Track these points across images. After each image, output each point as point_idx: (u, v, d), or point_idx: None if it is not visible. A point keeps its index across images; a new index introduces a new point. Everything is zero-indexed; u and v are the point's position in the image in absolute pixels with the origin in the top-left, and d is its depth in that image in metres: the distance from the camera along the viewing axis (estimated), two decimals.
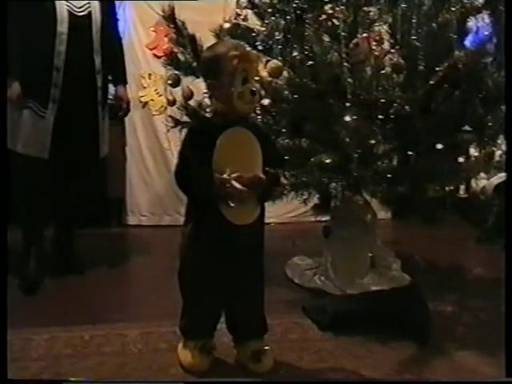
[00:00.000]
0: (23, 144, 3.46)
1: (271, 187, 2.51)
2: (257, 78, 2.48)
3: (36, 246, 3.60)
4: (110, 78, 3.79)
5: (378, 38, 3.06)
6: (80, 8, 3.51)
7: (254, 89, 2.37)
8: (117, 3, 4.03)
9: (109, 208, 5.14)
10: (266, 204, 2.54)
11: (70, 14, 3.47)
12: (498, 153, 3.35)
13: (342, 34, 3.02)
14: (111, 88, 3.88)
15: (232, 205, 2.33)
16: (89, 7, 3.54)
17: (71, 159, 3.57)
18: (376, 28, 3.16)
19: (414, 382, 2.59)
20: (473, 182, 4.53)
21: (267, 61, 3.15)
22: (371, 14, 3.18)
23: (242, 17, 3.57)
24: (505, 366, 2.33)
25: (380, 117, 3.08)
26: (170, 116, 3.85)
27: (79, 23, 3.50)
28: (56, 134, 3.48)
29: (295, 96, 3.26)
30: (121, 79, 3.90)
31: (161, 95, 4.94)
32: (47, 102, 3.45)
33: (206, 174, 2.31)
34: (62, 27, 3.44)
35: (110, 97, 3.90)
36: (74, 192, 3.70)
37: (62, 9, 3.45)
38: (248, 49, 2.43)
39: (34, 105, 3.44)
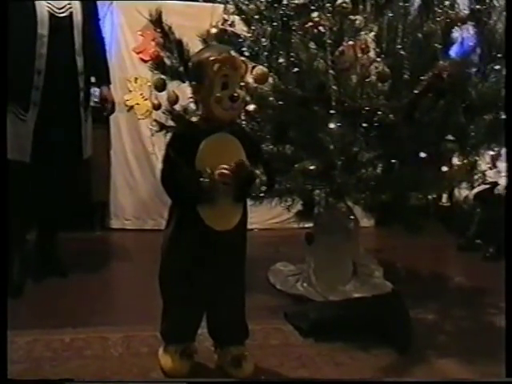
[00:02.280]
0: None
1: (249, 183, 2.44)
2: (242, 84, 2.48)
3: (19, 250, 3.57)
4: (93, 79, 3.77)
5: (363, 46, 3.08)
6: (61, 9, 3.48)
7: (236, 95, 2.35)
8: (102, 5, 4.03)
9: (93, 211, 5.12)
10: (249, 210, 2.54)
11: (51, 15, 3.44)
12: (483, 163, 3.38)
13: (328, 41, 3.03)
14: (95, 89, 3.87)
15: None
16: (70, 8, 3.51)
17: (54, 162, 3.53)
18: (362, 36, 3.18)
19: (415, 382, 2.62)
20: (456, 191, 4.56)
21: (253, 67, 3.16)
22: (357, 22, 3.19)
23: (229, 22, 3.58)
24: (505, 366, 2.34)
25: (364, 125, 3.09)
26: (155, 120, 3.84)
27: (60, 24, 3.47)
28: (38, 137, 3.46)
29: (280, 102, 3.27)
30: (104, 80, 3.88)
31: (146, 99, 4.95)
32: (28, 105, 3.43)
33: (190, 176, 2.31)
34: (43, 29, 3.41)
35: (96, 100, 3.90)
36: (58, 195, 3.64)
37: (42, 10, 3.42)
38: (234, 55, 2.41)
39: (14, 108, 3.41)
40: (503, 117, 3.13)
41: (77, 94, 3.59)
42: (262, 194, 3.17)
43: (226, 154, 2.36)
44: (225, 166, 2.29)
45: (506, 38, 2.90)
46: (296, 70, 3.26)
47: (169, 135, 3.22)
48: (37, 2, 3.42)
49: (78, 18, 3.53)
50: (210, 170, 2.29)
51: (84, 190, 3.88)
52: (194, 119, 2.57)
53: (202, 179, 2.29)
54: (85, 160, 3.75)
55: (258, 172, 2.41)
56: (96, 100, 4.94)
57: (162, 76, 3.59)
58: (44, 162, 3.50)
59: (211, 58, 2.34)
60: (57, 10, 3.46)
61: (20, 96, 3.41)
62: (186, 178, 2.32)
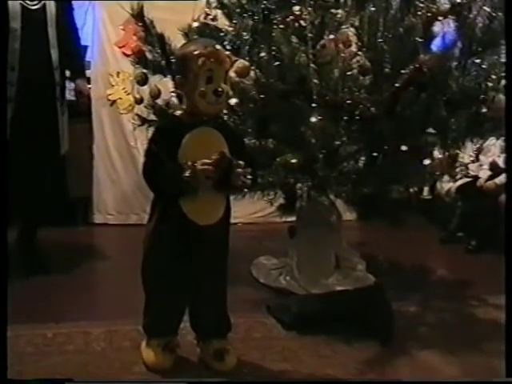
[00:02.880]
0: None
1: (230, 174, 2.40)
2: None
3: None
4: (68, 73, 3.71)
5: (344, 40, 3.09)
6: (33, 1, 3.41)
7: (220, 89, 2.34)
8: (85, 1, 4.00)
9: (75, 206, 5.10)
10: (232, 204, 2.55)
11: (23, 8, 3.37)
12: (466, 156, 3.40)
13: (310, 35, 3.04)
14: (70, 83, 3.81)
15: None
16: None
17: (31, 158, 3.47)
18: (343, 30, 3.19)
19: (415, 382, 2.62)
20: (437, 184, 4.58)
21: (235, 60, 3.15)
22: (338, 16, 3.20)
23: (211, 16, 3.57)
24: (505, 366, 2.35)
25: (345, 118, 3.10)
26: (137, 114, 3.83)
27: (33, 17, 3.40)
28: (14, 133, 3.33)
29: (262, 96, 3.27)
30: (79, 73, 3.83)
31: (129, 94, 4.92)
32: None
33: (172, 170, 2.30)
34: (15, 23, 3.33)
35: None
36: (36, 191, 3.59)
37: (14, 3, 3.34)
38: (219, 49, 2.41)
39: None
40: (484, 110, 3.15)
41: (53, 88, 3.54)
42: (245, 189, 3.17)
43: (209, 147, 2.35)
44: (206, 161, 2.29)
45: (506, 37, 2.91)
46: (277, 63, 3.26)
47: (151, 129, 3.23)
48: None
49: (51, 9, 3.47)
50: (190, 162, 2.29)
51: (61, 186, 3.79)
52: (178, 113, 2.56)
53: (183, 173, 2.28)
54: (62, 155, 3.71)
55: (240, 163, 2.39)
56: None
57: (144, 70, 3.58)
58: (21, 158, 3.40)
59: (196, 52, 2.33)
60: (29, 2, 3.39)
61: None
62: (167, 171, 2.32)
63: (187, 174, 2.27)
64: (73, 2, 3.88)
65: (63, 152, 3.70)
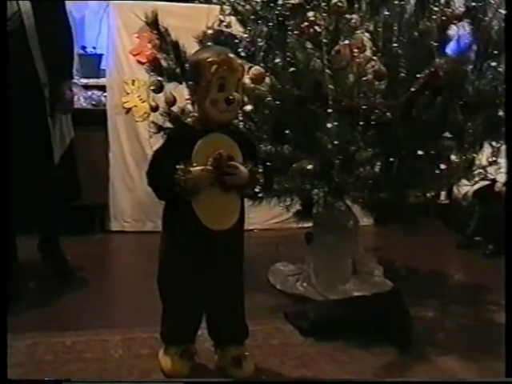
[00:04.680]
0: None
1: (252, 183, 2.43)
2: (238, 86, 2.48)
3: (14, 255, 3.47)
4: (84, 81, 3.58)
5: (359, 45, 3.08)
6: (9, 21, 3.16)
7: (232, 97, 2.33)
8: (99, 7, 3.91)
9: (92, 214, 5.12)
10: (249, 210, 2.55)
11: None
12: (482, 159, 3.38)
13: (324, 40, 3.03)
14: (91, 92, 3.71)
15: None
16: (19, 16, 3.24)
17: (27, 169, 3.30)
18: (358, 35, 3.18)
19: (416, 382, 2.62)
20: (454, 189, 4.55)
21: (250, 67, 3.16)
22: (353, 21, 3.19)
23: (225, 23, 3.58)
24: (505, 366, 2.34)
25: (361, 123, 3.08)
26: (153, 122, 3.83)
27: (11, 39, 3.08)
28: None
29: (277, 102, 3.27)
30: (66, 76, 3.65)
31: (144, 101, 4.93)
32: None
33: (170, 173, 2.30)
34: None
35: (93, 102, 3.78)
36: (37, 202, 3.45)
37: None
38: (232, 56, 2.41)
39: None
40: (500, 113, 3.13)
41: (42, 105, 3.41)
42: (260, 194, 3.16)
43: None
44: (200, 168, 2.30)
45: (505, 36, 2.90)
46: (292, 69, 3.26)
47: None
48: None
49: (30, 24, 3.27)
50: (182, 165, 2.28)
51: (57, 196, 3.61)
52: (189, 120, 2.57)
53: (177, 176, 2.28)
54: (56, 165, 3.55)
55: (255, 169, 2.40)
56: (94, 103, 4.95)
57: (159, 78, 3.59)
58: (19, 171, 3.20)
59: (209, 60, 2.32)
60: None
61: None
62: (165, 174, 2.32)
63: (182, 177, 2.27)
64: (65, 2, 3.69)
65: (56, 162, 3.55)
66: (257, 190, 2.53)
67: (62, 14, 3.64)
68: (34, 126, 3.39)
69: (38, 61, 3.33)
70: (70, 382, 2.41)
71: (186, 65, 3.39)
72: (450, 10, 3.25)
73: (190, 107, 3.38)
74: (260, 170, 2.41)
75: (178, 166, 2.29)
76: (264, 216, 4.92)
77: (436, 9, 3.24)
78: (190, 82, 2.46)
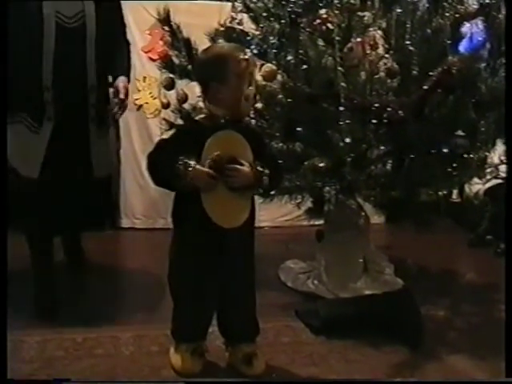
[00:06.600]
0: (12, 158, 3.12)
1: (256, 185, 2.43)
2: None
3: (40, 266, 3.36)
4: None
5: (372, 42, 3.07)
6: (72, 18, 3.14)
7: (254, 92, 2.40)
8: None
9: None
10: (259, 208, 2.54)
11: (59, 26, 3.09)
12: (494, 157, 3.37)
13: (337, 38, 3.03)
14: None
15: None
16: (83, 16, 3.16)
17: (63, 180, 3.20)
18: (370, 33, 3.16)
19: (417, 382, 2.61)
20: (466, 187, 4.53)
21: (261, 64, 3.15)
22: (365, 18, 3.19)
23: (237, 20, 3.57)
24: (505, 366, 2.34)
25: (373, 121, 3.08)
26: (164, 119, 3.83)
27: (69, 36, 3.12)
28: (50, 153, 3.16)
29: (289, 100, 3.27)
30: (123, 71, 3.62)
31: (155, 98, 4.94)
32: (41, 118, 3.14)
33: (176, 163, 2.30)
34: (49, 44, 3.08)
35: None
36: (68, 212, 3.30)
37: (49, 21, 3.07)
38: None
39: (25, 120, 3.15)
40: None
41: (85, 110, 3.26)
42: (272, 192, 3.16)
43: (232, 150, 2.36)
44: (200, 167, 2.30)
45: (506, 36, 2.89)
46: (305, 67, 3.26)
47: None
48: (45, 12, 3.05)
49: (91, 26, 3.18)
50: (182, 161, 2.29)
51: (95, 209, 3.54)
52: (198, 118, 2.57)
53: (177, 166, 2.29)
54: (98, 179, 3.40)
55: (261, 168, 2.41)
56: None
57: (171, 75, 3.59)
58: (53, 179, 3.18)
59: (241, 57, 2.35)
60: (66, 20, 3.12)
61: (32, 109, 3.14)
62: (170, 165, 2.32)
63: (182, 170, 2.28)
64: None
65: (99, 176, 3.40)
66: (261, 190, 2.55)
67: (120, 22, 3.65)
68: (76, 131, 3.26)
69: (91, 63, 3.22)
70: (69, 381, 2.41)
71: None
72: (463, 8, 3.23)
73: (201, 104, 3.38)
74: (266, 171, 2.41)
75: (180, 157, 2.29)
76: (275, 213, 4.92)
77: (449, 6, 3.22)
78: (213, 80, 2.40)
